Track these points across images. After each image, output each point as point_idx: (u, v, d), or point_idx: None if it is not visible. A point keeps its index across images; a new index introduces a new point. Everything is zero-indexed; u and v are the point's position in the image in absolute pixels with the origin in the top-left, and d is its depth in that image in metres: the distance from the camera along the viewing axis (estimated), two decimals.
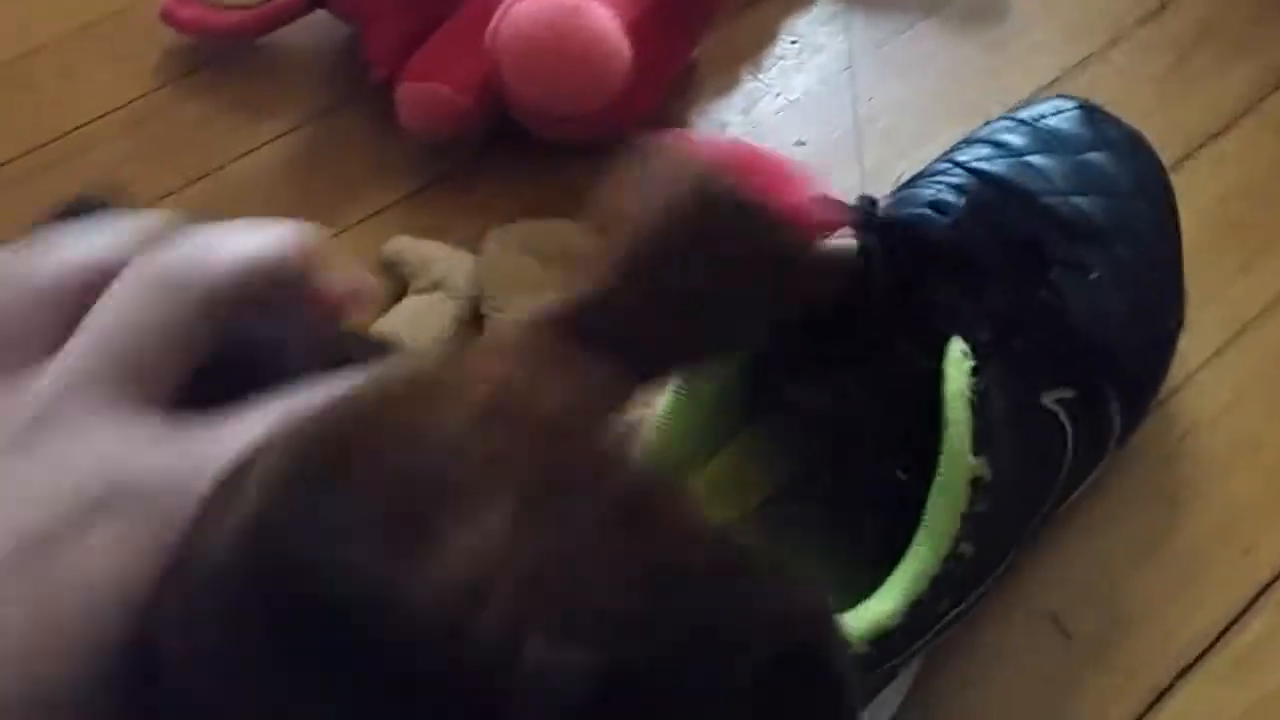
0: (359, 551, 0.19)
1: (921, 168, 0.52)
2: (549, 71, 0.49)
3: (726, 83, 0.64)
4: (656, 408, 0.40)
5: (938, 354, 0.39)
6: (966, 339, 0.39)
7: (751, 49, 0.66)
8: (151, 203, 0.58)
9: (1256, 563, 0.48)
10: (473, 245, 0.54)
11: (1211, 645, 0.46)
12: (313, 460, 0.21)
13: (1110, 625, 0.46)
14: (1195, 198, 0.58)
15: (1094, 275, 0.46)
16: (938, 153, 0.53)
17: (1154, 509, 0.49)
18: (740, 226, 0.26)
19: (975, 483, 0.37)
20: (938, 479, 0.36)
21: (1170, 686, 0.45)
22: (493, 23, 0.50)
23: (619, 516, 0.21)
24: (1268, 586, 0.47)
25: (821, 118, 0.63)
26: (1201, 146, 0.61)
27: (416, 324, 0.50)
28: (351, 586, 0.19)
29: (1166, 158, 0.59)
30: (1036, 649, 0.46)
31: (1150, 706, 0.44)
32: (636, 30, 0.53)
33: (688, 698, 0.21)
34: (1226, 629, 0.46)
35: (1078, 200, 0.49)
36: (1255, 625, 0.46)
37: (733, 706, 0.21)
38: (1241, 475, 0.50)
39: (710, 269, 0.26)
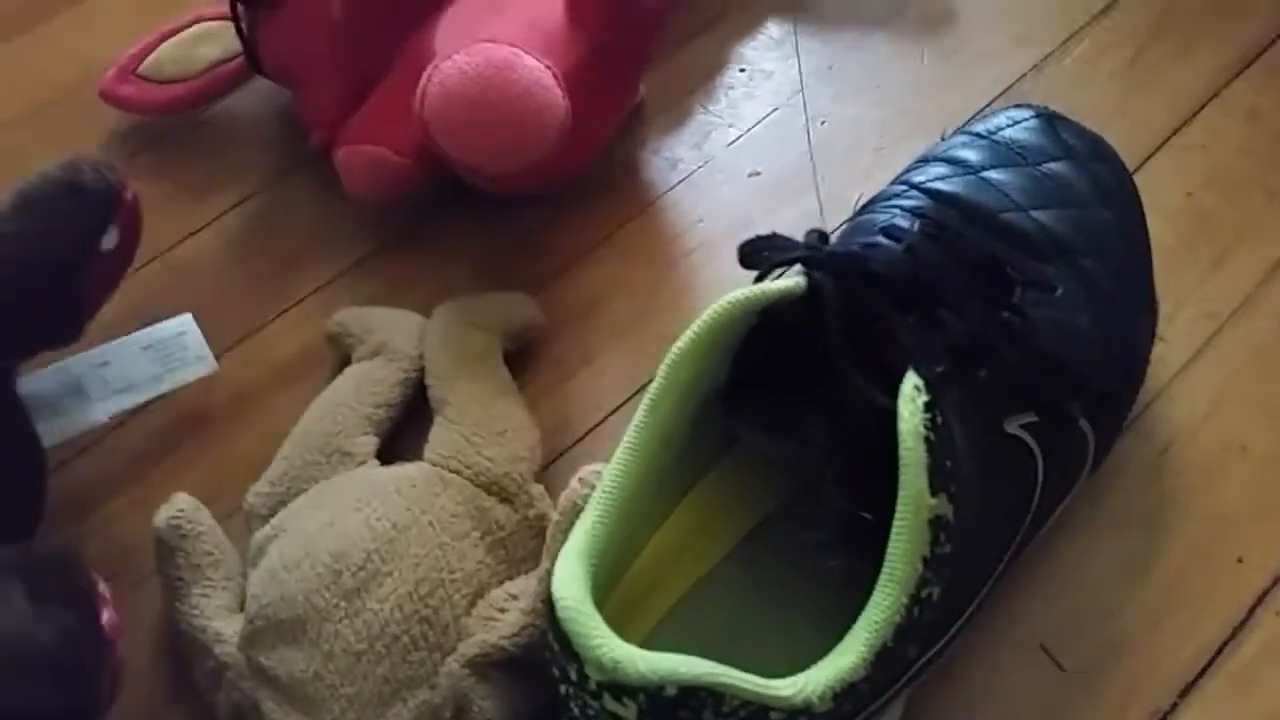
0: None
1: (880, 189, 0.50)
2: (481, 130, 0.47)
3: (676, 117, 0.63)
4: (606, 467, 0.38)
5: (895, 390, 0.37)
6: (921, 372, 0.37)
7: (700, 80, 0.64)
8: None
9: (1250, 571, 0.46)
10: (426, 308, 0.53)
11: (1211, 662, 0.44)
12: None
13: (1103, 652, 0.45)
14: (1164, 195, 0.57)
15: (1059, 292, 0.45)
16: (896, 172, 0.52)
17: (1138, 529, 0.47)
18: None
19: (936, 522, 0.35)
20: (896, 522, 0.35)
21: (1171, 709, 0.43)
22: (421, 82, 0.48)
23: None
24: (1264, 595, 0.46)
25: (776, 146, 0.61)
26: (1166, 141, 0.60)
27: (360, 391, 0.49)
28: None
29: (1132, 156, 0.58)
30: (1030, 681, 0.44)
31: None
32: (575, 76, 0.52)
33: None
34: (1225, 644, 0.45)
35: (1039, 214, 0.47)
36: (1255, 637, 0.45)
37: None
38: (1228, 482, 0.48)
39: None
